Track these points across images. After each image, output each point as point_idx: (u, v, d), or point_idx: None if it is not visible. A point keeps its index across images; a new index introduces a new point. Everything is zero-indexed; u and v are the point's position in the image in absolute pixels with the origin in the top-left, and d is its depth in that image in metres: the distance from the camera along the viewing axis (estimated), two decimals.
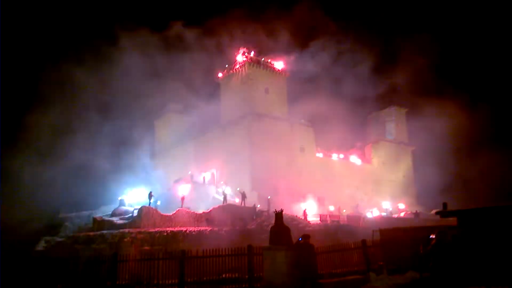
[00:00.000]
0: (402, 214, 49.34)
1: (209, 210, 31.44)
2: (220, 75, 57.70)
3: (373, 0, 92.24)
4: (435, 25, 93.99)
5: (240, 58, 55.06)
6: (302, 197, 45.92)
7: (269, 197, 37.34)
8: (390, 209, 52.35)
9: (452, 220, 12.40)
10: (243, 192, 37.07)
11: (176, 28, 59.81)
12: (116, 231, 25.37)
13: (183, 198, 34.05)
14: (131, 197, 38.67)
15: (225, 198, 36.81)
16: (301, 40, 60.75)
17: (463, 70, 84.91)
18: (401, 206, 55.15)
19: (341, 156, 59.22)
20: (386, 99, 66.57)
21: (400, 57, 74.87)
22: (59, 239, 27.82)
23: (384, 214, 47.97)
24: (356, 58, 64.59)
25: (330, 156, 57.76)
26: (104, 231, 26.01)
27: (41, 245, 26.87)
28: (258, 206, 35.72)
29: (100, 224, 28.63)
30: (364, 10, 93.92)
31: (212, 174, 51.45)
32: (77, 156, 52.97)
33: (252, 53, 54.83)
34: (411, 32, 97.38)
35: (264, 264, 12.00)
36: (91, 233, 26.40)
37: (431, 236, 11.03)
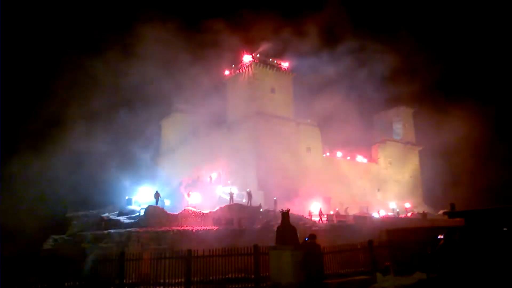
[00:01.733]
0: (409, 214, 49.00)
1: (215, 210, 31.49)
2: (226, 73, 57.75)
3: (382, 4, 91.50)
4: (444, 29, 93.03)
5: (246, 58, 55.07)
6: (309, 197, 45.79)
7: (275, 198, 37.30)
8: (397, 209, 52.01)
9: (459, 221, 12.31)
10: (249, 191, 37.14)
11: (184, 27, 59.95)
12: (123, 230, 25.54)
13: (188, 198, 34.17)
14: (138, 197, 38.86)
15: (231, 197, 36.86)
16: (308, 41, 60.80)
17: (469, 73, 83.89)
18: (407, 205, 54.76)
19: (348, 156, 58.96)
20: (393, 99, 66.17)
21: (409, 59, 73.95)
22: (66, 238, 28.08)
23: (390, 214, 47.68)
24: (364, 60, 64.20)
25: (337, 156, 57.53)
26: (111, 230, 26.19)
27: (48, 244, 27.12)
28: (264, 208, 35.63)
29: (107, 223, 28.81)
30: (373, 12, 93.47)
31: (218, 174, 51.45)
32: (85, 155, 53.49)
33: (258, 55, 54.74)
34: (419, 35, 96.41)
35: (270, 264, 12.01)
36: (99, 232, 26.59)
37: (439, 237, 10.96)
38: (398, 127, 66.52)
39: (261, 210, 34.34)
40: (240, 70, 55.38)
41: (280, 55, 57.46)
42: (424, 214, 45.18)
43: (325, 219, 36.91)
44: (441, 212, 46.19)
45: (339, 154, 58.15)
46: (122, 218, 30.01)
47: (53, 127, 52.80)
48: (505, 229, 10.33)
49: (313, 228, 28.87)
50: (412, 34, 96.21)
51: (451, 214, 13.04)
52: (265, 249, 13.21)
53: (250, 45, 56.15)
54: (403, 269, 12.96)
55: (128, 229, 25.80)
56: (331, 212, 42.38)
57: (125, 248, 20.93)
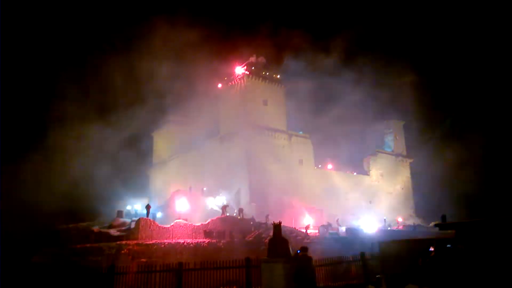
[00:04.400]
0: (400, 227, 49.15)
1: (207, 222, 31.27)
2: (219, 86, 58.01)
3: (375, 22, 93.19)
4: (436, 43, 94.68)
5: (239, 70, 55.48)
6: (301, 209, 45.79)
7: (270, 219, 37.19)
8: (389, 221, 52.13)
9: (450, 233, 12.43)
10: (241, 207, 37.44)
11: (176, 38, 60.11)
12: (114, 243, 25.17)
13: (180, 210, 33.93)
14: (129, 209, 38.52)
15: (223, 210, 36.69)
16: (301, 54, 61.62)
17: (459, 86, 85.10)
18: (400, 219, 55.00)
19: (339, 168, 59.21)
20: (385, 112, 66.87)
21: (399, 73, 74.75)
22: (56, 251, 27.54)
23: (382, 226, 47.75)
24: (355, 73, 64.76)
25: (328, 168, 57.75)
26: (102, 243, 25.81)
27: (38, 257, 26.59)
28: (256, 221, 35.50)
29: (97, 235, 28.41)
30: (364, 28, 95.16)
31: (211, 186, 51.29)
32: (75, 167, 52.86)
33: (253, 67, 55.12)
34: (410, 50, 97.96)
35: (262, 277, 11.94)
36: (88, 245, 26.18)
37: (430, 249, 11.05)
38: (389, 140, 67.16)
39: (254, 222, 34.22)
40: (233, 82, 55.72)
41: (273, 68, 57.97)
42: (414, 226, 45.37)
43: (317, 232, 36.89)
44: (432, 224, 46.47)
45: (330, 166, 58.41)
46: (113, 231, 29.60)
47: (41, 138, 52.26)
48: (448, 245, 10.54)
49: (305, 241, 28.80)
50: (402, 51, 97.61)
51: (442, 226, 13.16)
52: (257, 261, 13.15)
53: (243, 58, 56.63)
54: (395, 282, 12.97)
55: (118, 242, 25.43)
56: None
57: (115, 261, 20.63)
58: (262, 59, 56.52)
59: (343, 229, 39.59)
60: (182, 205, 35.72)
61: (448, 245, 10.55)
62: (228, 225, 31.02)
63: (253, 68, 55.03)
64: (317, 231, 37.37)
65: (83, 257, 23.84)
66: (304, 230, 35.39)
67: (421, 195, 63.04)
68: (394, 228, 47.38)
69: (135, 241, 25.52)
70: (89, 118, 57.43)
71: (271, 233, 12.54)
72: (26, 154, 49.11)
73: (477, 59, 79.13)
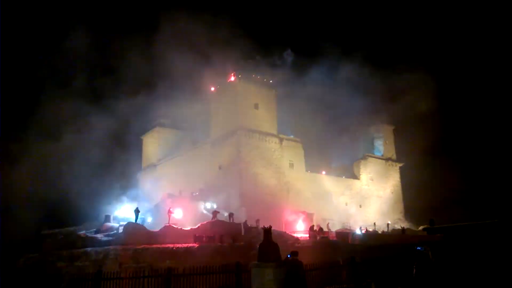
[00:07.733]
0: (389, 231, 49.44)
1: (197, 226, 31.00)
2: (211, 89, 57.80)
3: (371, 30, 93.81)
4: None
5: (230, 73, 55.33)
6: (292, 213, 45.78)
7: (260, 223, 37.13)
8: (378, 225, 52.39)
9: (439, 236, 12.52)
10: (231, 213, 37.35)
11: (166, 40, 59.82)
12: (101, 248, 24.77)
13: (169, 214, 33.56)
14: (118, 213, 38.02)
15: (214, 214, 36.45)
16: (292, 59, 61.79)
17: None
18: (389, 223, 55.34)
19: (330, 172, 59.41)
20: (375, 116, 67.22)
21: (391, 78, 75.20)
22: (41, 257, 27.00)
23: (372, 230, 47.98)
24: (346, 77, 65.12)
25: (319, 172, 57.89)
26: (88, 248, 25.37)
27: (22, 262, 26.01)
28: (249, 224, 35.37)
29: (84, 240, 27.92)
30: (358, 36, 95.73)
31: (201, 190, 50.99)
32: (62, 170, 52.14)
33: (242, 71, 54.99)
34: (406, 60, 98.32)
35: (253, 282, 11.83)
36: (75, 250, 25.72)
37: (417, 248, 11.10)
38: (379, 144, 67.61)
39: (245, 226, 34.01)
40: (224, 85, 55.56)
41: (264, 71, 57.89)
42: (403, 230, 45.68)
43: (307, 236, 36.86)
44: (421, 228, 46.86)
45: (321, 170, 58.51)
46: (100, 236, 29.14)
47: (30, 141, 51.43)
48: (418, 248, 10.59)
49: (296, 245, 28.72)
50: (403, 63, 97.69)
51: (430, 230, 13.24)
52: (247, 266, 13.03)
53: (234, 61, 56.45)
54: (385, 285, 12.99)
55: (105, 247, 25.03)
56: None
57: (102, 267, 20.28)
58: (252, 62, 56.22)
59: (333, 233, 39.62)
60: (171, 209, 35.34)
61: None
62: (218, 230, 30.79)
63: (240, 75, 54.53)
64: (307, 235, 37.34)
65: (69, 263, 23.40)
66: (295, 235, 35.36)
67: (411, 199, 63.56)
68: (385, 231, 47.65)
69: (123, 246, 25.15)
70: (78, 119, 56.83)
71: (262, 238, 12.44)
72: (11, 158, 48.27)
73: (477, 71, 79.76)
